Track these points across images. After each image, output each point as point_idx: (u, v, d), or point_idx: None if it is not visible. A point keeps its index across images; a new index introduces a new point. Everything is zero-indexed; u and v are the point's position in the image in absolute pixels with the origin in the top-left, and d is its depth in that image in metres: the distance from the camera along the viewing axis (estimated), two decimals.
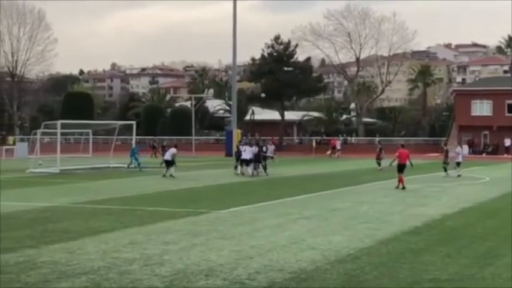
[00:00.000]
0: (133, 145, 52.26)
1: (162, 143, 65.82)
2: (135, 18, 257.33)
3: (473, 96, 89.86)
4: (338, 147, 64.76)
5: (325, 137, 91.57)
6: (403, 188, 32.37)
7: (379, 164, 47.66)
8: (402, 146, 36.37)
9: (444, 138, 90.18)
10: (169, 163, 40.27)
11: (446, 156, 42.90)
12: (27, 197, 29.07)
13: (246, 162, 41.69)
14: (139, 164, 49.02)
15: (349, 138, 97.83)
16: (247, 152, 41.39)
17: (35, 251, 15.82)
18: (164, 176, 39.74)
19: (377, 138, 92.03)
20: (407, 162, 33.38)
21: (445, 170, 41.64)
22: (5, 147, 76.86)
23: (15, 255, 15.34)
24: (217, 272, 13.68)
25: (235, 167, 43.81)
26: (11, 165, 53.53)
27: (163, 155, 44.83)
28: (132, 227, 19.85)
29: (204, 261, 14.75)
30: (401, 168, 33.11)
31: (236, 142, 60.45)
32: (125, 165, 49.31)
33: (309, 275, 13.51)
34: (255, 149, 42.03)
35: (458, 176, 40.85)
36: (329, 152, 56.91)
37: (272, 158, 47.45)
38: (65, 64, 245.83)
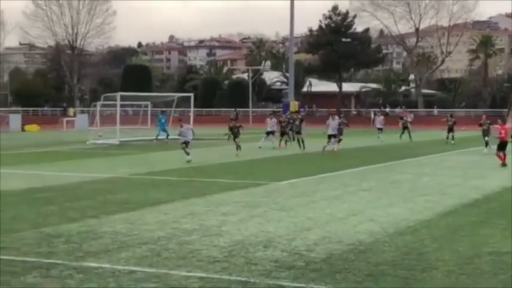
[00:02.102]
0: (162, 119, 51.61)
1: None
2: None
3: None
4: (409, 119, 62.01)
5: (382, 109, 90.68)
6: (504, 165, 29.41)
7: (452, 137, 46.31)
8: (503, 120, 33.06)
9: (505, 110, 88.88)
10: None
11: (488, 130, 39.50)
12: (88, 168, 29.51)
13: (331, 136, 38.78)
14: (168, 135, 49.10)
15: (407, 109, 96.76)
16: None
17: (96, 221, 16.08)
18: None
19: (435, 110, 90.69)
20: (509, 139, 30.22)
21: (487, 144, 37.80)
22: (66, 119, 78.16)
23: (77, 225, 15.63)
24: (275, 243, 13.73)
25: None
26: (72, 137, 54.43)
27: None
28: (191, 198, 20.03)
29: (262, 233, 14.81)
30: (503, 146, 29.92)
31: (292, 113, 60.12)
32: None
33: (368, 247, 13.47)
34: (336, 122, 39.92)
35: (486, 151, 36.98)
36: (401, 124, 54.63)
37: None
38: (123, 37, 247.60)
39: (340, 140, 39.56)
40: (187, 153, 31.33)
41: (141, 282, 10.81)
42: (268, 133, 42.45)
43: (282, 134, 42.98)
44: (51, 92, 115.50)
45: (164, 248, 13.33)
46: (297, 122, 42.67)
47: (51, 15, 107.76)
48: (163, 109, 61.05)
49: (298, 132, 41.59)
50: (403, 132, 52.02)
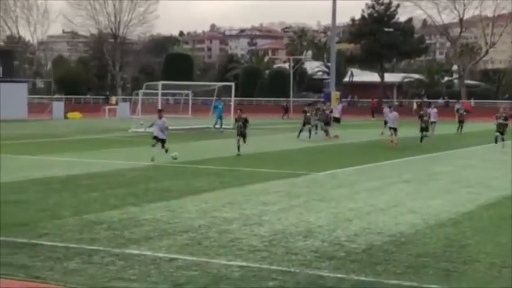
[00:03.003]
0: (218, 105, 51.12)
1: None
2: None
3: None
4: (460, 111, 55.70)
5: (425, 100, 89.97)
6: None
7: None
8: None
9: None
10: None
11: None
12: (129, 155, 29.74)
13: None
14: (221, 124, 48.88)
15: (450, 101, 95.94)
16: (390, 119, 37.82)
17: (138, 209, 16.22)
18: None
19: (472, 101, 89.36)
20: None
21: (496, 140, 34.48)
22: (108, 107, 78.70)
23: (119, 212, 15.78)
24: (315, 234, 13.73)
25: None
26: (113, 125, 54.89)
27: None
28: (231, 187, 20.11)
29: (302, 223, 14.82)
30: None
31: (334, 103, 59.68)
32: (223, 126, 49.41)
33: (408, 238, 13.42)
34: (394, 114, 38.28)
35: (502, 139, 34.67)
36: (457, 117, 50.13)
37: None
38: (165, 25, 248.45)
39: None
40: (166, 151, 27.66)
41: (182, 270, 10.90)
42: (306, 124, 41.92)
43: (304, 124, 42.40)
44: (94, 80, 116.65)
45: (205, 236, 13.41)
46: (327, 112, 42.59)
47: (94, 4, 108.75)
48: (216, 98, 58.24)
49: (327, 123, 41.53)
50: (459, 127, 49.76)
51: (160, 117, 27.87)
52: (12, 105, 63.90)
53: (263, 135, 42.79)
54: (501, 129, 34.42)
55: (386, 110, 44.07)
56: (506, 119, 35.16)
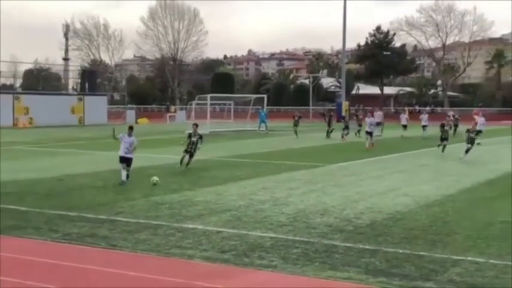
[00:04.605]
0: (262, 113, 51.19)
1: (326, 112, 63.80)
2: (266, 14, 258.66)
3: None
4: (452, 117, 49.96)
5: (417, 108, 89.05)
6: None
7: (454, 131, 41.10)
8: None
9: None
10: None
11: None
12: None
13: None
14: (266, 127, 49.13)
15: (435, 108, 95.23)
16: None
17: (192, 193, 16.29)
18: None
19: (451, 112, 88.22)
20: None
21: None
22: (169, 114, 79.11)
23: (178, 195, 15.86)
24: (330, 212, 13.70)
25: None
26: (173, 128, 55.09)
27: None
28: (264, 176, 20.11)
29: (319, 203, 14.79)
30: None
31: (345, 112, 59.23)
32: (256, 128, 49.58)
33: (403, 216, 13.34)
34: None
35: (478, 143, 30.64)
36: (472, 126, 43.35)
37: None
38: (213, 50, 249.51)
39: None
40: (127, 175, 17.88)
41: (226, 240, 10.93)
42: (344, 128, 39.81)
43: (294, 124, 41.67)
44: (158, 93, 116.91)
45: (244, 214, 13.43)
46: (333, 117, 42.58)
47: (158, 34, 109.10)
48: (258, 107, 56.89)
49: (347, 127, 41.03)
50: (454, 130, 42.45)
51: (130, 135, 18.28)
52: (96, 113, 64.62)
53: (289, 135, 42.64)
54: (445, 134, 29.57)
55: (402, 115, 43.38)
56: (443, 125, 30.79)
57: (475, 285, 8.46)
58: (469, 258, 9.75)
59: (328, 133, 41.53)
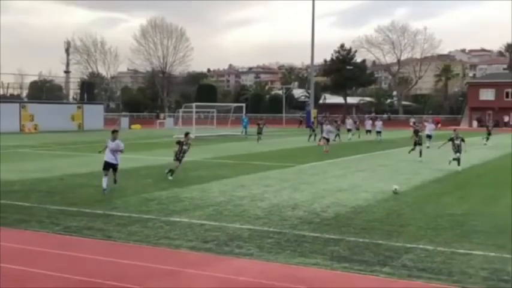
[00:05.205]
0: (244, 119, 51.43)
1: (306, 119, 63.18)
2: (247, 33, 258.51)
3: (481, 86, 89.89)
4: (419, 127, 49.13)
5: (375, 115, 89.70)
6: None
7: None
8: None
9: (459, 115, 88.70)
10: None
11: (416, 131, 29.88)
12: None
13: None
14: (246, 132, 49.19)
15: (391, 115, 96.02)
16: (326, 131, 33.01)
17: (180, 190, 16.21)
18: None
19: (412, 119, 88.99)
20: None
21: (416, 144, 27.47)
22: (158, 120, 78.70)
23: (166, 192, 15.76)
24: (300, 206, 13.72)
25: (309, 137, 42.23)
26: (163, 133, 54.82)
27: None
28: (243, 175, 20.08)
29: (291, 199, 14.80)
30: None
31: (313, 119, 59.60)
32: (238, 133, 49.56)
33: (363, 209, 13.40)
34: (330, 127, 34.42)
35: (427, 147, 31.28)
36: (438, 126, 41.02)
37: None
38: (198, 64, 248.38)
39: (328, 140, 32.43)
40: (114, 180, 15.84)
41: (209, 232, 10.89)
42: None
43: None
44: (149, 102, 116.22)
45: (224, 208, 13.40)
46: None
47: (149, 50, 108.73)
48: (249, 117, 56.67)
49: (313, 130, 41.24)
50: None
51: (114, 139, 15.63)
52: (93, 120, 64.14)
53: (264, 139, 42.61)
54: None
55: (377, 123, 43.25)
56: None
57: (425, 269, 8.53)
58: (421, 246, 9.82)
59: (310, 137, 41.63)
